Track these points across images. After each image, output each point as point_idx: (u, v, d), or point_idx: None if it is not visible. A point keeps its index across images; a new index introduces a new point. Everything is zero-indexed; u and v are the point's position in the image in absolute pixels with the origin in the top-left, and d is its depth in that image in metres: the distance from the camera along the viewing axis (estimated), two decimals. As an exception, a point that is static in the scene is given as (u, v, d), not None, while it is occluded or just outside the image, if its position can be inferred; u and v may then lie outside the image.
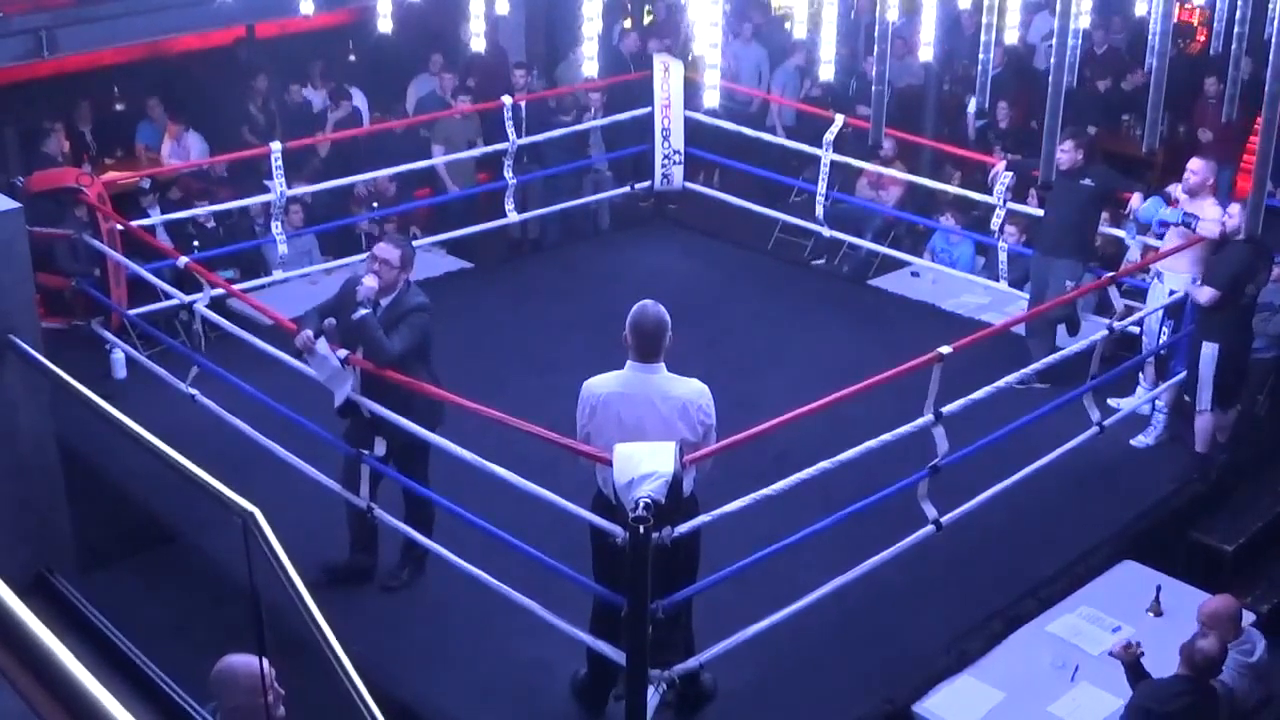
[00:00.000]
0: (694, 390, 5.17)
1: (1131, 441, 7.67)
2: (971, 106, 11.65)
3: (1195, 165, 7.69)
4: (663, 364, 5.17)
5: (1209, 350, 7.18)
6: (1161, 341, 7.71)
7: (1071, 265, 8.00)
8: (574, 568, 5.45)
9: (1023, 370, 6.85)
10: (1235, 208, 7.25)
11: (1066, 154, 7.73)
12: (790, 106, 12.10)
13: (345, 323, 6.04)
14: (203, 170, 10.48)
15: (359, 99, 11.67)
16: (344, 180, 9.88)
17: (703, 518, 5.20)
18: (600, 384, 5.22)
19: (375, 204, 10.23)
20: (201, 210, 9.53)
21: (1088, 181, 7.97)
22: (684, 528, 5.04)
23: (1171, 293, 7.54)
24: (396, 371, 5.95)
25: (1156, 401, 7.72)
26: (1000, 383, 6.39)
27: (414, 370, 6.02)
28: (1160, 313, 7.64)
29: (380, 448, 6.17)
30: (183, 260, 7.60)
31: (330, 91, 11.51)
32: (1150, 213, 8.01)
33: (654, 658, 5.03)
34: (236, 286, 8.07)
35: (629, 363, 5.19)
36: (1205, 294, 7.12)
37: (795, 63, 12.62)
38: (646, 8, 13.99)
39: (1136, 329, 7.90)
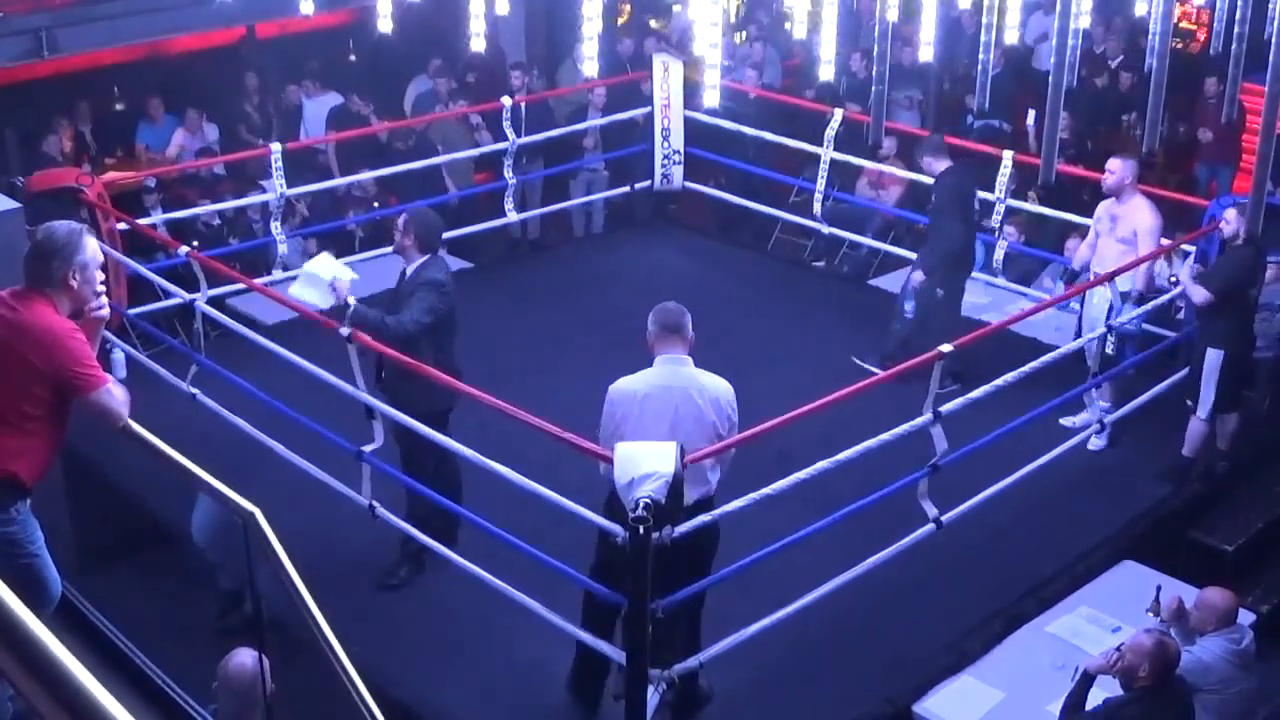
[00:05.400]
0: (723, 386, 5.25)
1: (1089, 446, 7.38)
2: (1029, 119, 11.57)
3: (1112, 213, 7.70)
4: (690, 358, 5.21)
5: (1214, 356, 7.05)
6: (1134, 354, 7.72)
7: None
8: (574, 567, 5.45)
9: (1021, 370, 6.83)
10: (1231, 213, 7.06)
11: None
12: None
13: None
14: (198, 172, 10.49)
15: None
16: (341, 180, 9.86)
17: (702, 517, 5.18)
18: (634, 383, 5.21)
19: (375, 204, 10.22)
20: (203, 209, 9.52)
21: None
22: (684, 528, 5.04)
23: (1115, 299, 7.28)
24: (407, 345, 5.91)
25: (1101, 403, 7.41)
26: (998, 381, 6.37)
27: (419, 347, 5.98)
28: (1101, 325, 7.30)
29: (380, 437, 6.16)
30: (183, 249, 7.58)
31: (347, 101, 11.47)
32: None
33: (654, 657, 5.03)
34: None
35: (658, 359, 5.22)
36: (1200, 294, 6.98)
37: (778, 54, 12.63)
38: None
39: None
